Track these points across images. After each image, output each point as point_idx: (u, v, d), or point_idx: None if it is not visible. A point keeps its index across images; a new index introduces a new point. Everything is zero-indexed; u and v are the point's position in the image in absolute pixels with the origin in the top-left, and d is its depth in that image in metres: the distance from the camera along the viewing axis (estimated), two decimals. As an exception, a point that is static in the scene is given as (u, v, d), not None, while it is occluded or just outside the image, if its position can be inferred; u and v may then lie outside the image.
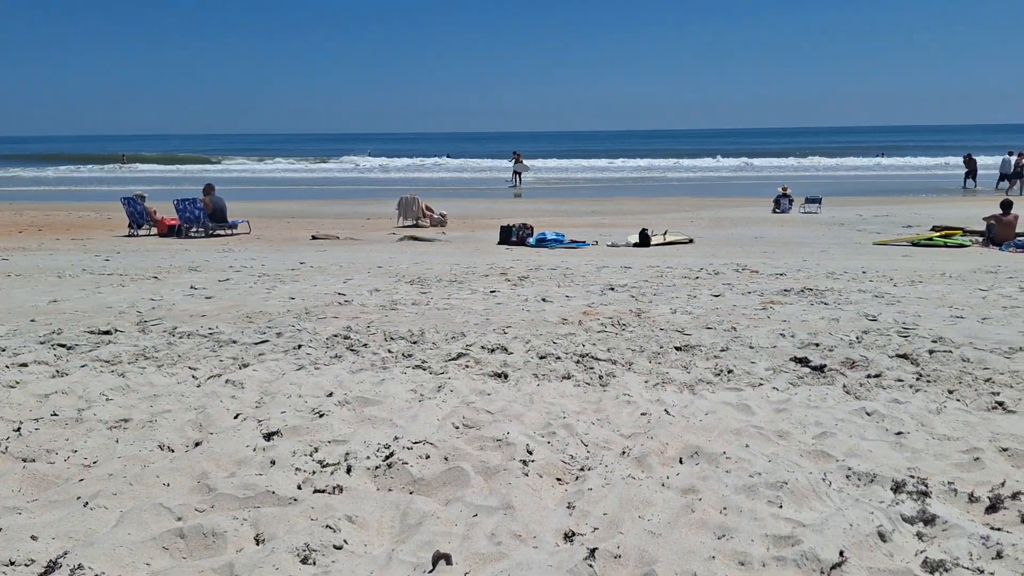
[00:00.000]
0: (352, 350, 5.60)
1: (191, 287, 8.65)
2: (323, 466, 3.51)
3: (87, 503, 3.07)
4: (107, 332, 6.18)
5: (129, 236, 17.17)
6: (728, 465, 3.42)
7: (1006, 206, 14.12)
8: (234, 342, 5.85)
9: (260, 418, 4.12)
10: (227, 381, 4.78)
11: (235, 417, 4.21)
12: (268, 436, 3.88)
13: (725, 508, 3.01)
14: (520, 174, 37.18)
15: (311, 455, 3.62)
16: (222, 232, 17.62)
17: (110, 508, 3.05)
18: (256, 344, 5.79)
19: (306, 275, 9.73)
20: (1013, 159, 28.37)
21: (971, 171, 33.27)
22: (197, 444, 3.79)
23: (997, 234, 14.04)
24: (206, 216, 17.25)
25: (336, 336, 6.02)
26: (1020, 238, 13.96)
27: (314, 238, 16.45)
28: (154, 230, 17.86)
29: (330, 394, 4.53)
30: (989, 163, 35.61)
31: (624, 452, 3.62)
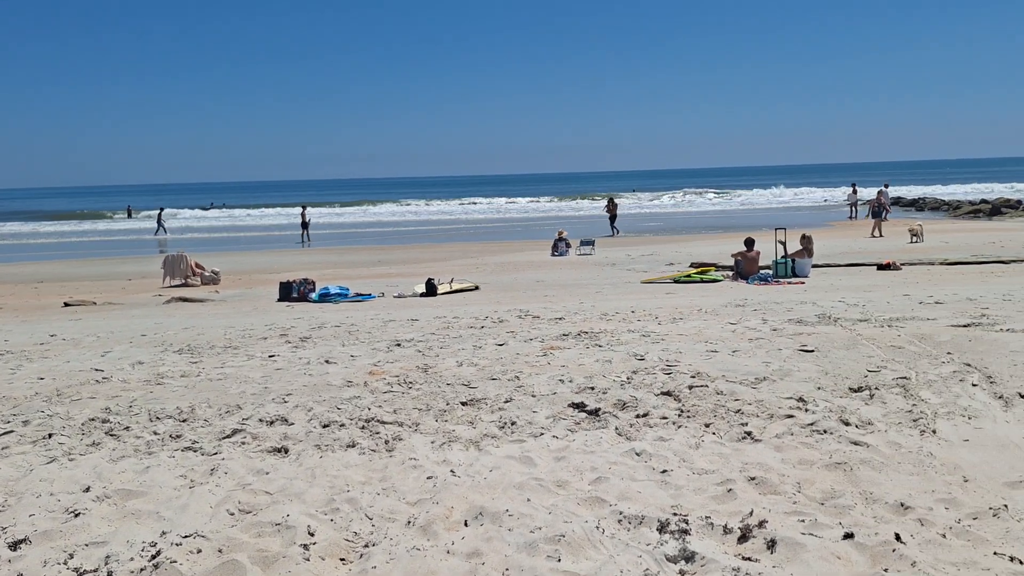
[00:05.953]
0: (112, 435, 5.13)
1: (-85, 373, 7.55)
2: (80, 575, 3.17)
3: None
4: None
5: None
6: (511, 523, 3.50)
7: (749, 243, 15.80)
8: (-31, 437, 5.17)
9: (4, 525, 3.67)
10: (-40, 486, 4.21)
11: (-30, 529, 3.70)
12: (14, 545, 3.46)
13: (508, 569, 3.07)
14: (307, 228, 35.72)
15: (66, 563, 3.28)
16: (-43, 303, 15.62)
17: None
18: (-3, 437, 5.16)
19: (58, 350, 8.83)
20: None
21: (611, 215, 33.61)
22: (-81, 568, 3.29)
23: (744, 269, 15.66)
24: (-64, 286, 15.22)
25: (93, 420, 5.49)
26: (763, 271, 15.67)
27: (67, 305, 15.01)
28: None
29: (87, 489, 4.12)
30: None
31: (409, 522, 3.60)
